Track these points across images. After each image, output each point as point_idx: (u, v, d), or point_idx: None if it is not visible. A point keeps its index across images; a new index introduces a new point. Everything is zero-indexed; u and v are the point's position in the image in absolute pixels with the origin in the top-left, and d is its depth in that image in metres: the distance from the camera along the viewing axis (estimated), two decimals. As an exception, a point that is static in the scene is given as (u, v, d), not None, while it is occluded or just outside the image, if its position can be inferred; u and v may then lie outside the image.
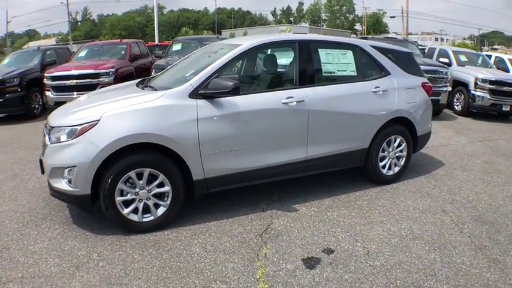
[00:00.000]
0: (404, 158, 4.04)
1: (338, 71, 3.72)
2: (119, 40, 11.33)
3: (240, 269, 2.51)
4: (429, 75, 7.13)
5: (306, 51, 3.49)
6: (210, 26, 65.57)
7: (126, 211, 2.89)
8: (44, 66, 8.38)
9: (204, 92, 2.99)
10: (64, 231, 3.04)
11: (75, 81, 7.26)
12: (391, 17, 58.47)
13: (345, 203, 3.55)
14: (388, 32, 52.04)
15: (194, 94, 2.99)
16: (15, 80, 7.50)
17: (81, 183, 2.76)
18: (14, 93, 7.39)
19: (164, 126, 2.86)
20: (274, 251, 2.72)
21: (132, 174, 2.84)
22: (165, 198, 3.00)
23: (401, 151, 4.02)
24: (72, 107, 3.27)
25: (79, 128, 2.76)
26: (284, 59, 4.17)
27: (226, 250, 2.73)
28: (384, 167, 3.94)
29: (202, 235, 2.96)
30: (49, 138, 2.93)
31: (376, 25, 60.08)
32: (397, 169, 4.02)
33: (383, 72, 3.88)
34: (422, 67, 7.63)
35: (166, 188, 2.96)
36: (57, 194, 2.96)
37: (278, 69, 4.04)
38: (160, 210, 3.00)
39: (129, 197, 2.89)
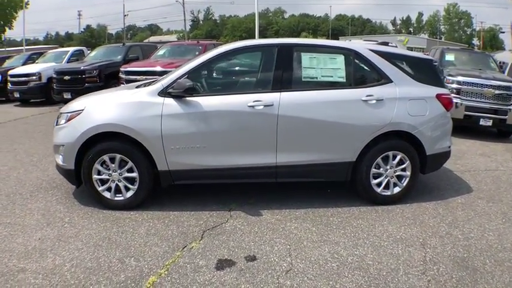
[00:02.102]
0: (407, 179, 3.77)
1: (322, 76, 3.75)
2: (196, 41, 12.88)
3: (159, 254, 2.98)
4: (500, 92, 6.78)
5: (286, 55, 3.70)
6: (330, 32, 68.95)
7: (101, 188, 3.72)
8: (126, 61, 10.31)
9: (171, 91, 3.56)
10: (61, 198, 4.06)
11: (144, 76, 8.67)
12: (501, 32, 58.22)
13: (317, 217, 3.60)
14: (504, 49, 47.05)
15: (163, 93, 3.61)
16: (95, 71, 9.58)
17: (68, 159, 3.70)
18: (93, 83, 9.41)
19: (131, 119, 3.56)
20: (202, 246, 3.09)
21: (106, 157, 3.64)
22: (134, 183, 3.69)
23: (403, 170, 3.77)
24: (80, 98, 4.29)
25: (69, 115, 3.73)
26: (263, 63, 4.38)
27: (163, 237, 3.23)
28: (379, 185, 3.78)
29: (157, 220, 3.53)
30: (56, 122, 3.98)
31: (492, 41, 62.29)
32: (397, 190, 3.79)
33: (382, 79, 3.73)
34: (490, 82, 6.82)
35: (134, 174, 3.65)
36: (57, 167, 4.00)
37: (254, 73, 4.35)
38: (129, 193, 3.72)
39: (103, 176, 3.70)
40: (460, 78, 7.14)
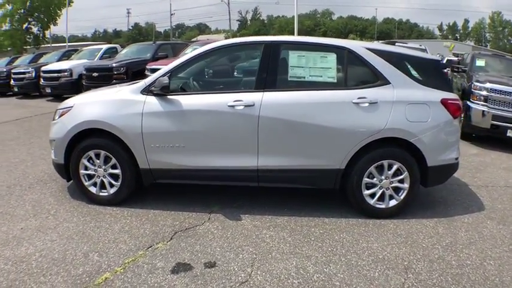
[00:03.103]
0: (405, 191, 3.66)
1: (310, 76, 3.72)
2: None
3: (123, 251, 3.20)
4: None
5: (272, 53, 3.74)
6: (377, 35, 70.59)
7: (87, 183, 4.06)
8: (156, 59, 10.88)
9: (152, 89, 3.78)
10: (55, 191, 4.48)
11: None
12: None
13: (298, 226, 3.63)
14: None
15: (145, 91, 3.84)
16: (122, 68, 10.23)
17: (58, 154, 4.07)
18: (121, 80, 10.02)
19: (113, 116, 3.83)
20: (167, 247, 3.28)
21: (92, 153, 3.95)
22: (118, 180, 3.98)
23: (400, 182, 3.67)
24: (76, 96, 4.67)
25: (61, 111, 4.12)
26: (249, 62, 4.45)
27: (134, 235, 3.46)
28: (372, 196, 3.71)
29: (135, 218, 3.79)
30: (53, 118, 4.39)
31: (536, 50, 61.37)
32: (393, 203, 3.69)
33: (379, 80, 3.63)
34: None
35: (117, 171, 3.94)
36: (52, 161, 4.41)
37: (238, 72, 4.42)
38: (113, 190, 4.02)
39: (90, 172, 4.03)
40: (488, 85, 6.79)
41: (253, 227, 3.58)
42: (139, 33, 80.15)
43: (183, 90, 3.99)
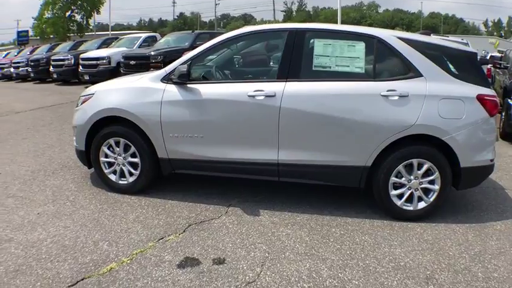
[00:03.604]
0: (435, 193, 3.43)
1: (337, 65, 3.55)
2: None
3: (133, 242, 3.23)
4: None
5: (296, 41, 3.61)
6: (423, 29, 70.12)
7: (107, 171, 4.16)
8: (194, 48, 11.03)
9: (172, 77, 3.78)
10: (77, 177, 4.64)
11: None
12: None
13: (318, 225, 3.50)
14: None
15: (165, 79, 3.85)
16: (159, 57, 10.47)
17: (79, 140, 4.20)
18: (158, 68, 10.21)
19: (132, 104, 3.88)
20: (178, 240, 3.27)
21: (112, 141, 4.05)
22: (137, 169, 4.05)
23: (431, 183, 3.43)
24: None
25: (83, 98, 4.24)
26: (272, 50, 4.33)
27: (147, 225, 3.49)
28: (400, 197, 3.51)
29: (151, 208, 3.83)
30: (76, 105, 4.52)
31: None
32: (422, 205, 3.47)
33: (410, 72, 3.41)
34: None
35: (137, 160, 4.00)
36: (75, 148, 4.54)
37: (261, 61, 4.36)
38: (132, 178, 4.10)
39: (110, 159, 4.12)
40: None
41: (270, 224, 3.48)
42: (184, 23, 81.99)
43: (205, 78, 3.96)
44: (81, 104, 4.25)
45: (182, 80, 3.68)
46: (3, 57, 22.99)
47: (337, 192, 3.97)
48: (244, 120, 3.62)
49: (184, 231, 3.38)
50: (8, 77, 19.39)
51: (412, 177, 3.45)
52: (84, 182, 4.46)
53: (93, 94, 4.17)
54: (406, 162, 3.41)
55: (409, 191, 3.48)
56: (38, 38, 35.62)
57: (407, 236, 3.33)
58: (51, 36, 34.81)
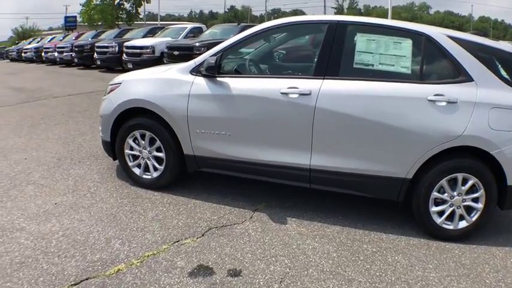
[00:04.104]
0: (478, 212, 3.08)
1: (380, 64, 3.27)
2: None
3: (147, 242, 3.12)
4: None
5: (337, 35, 3.36)
6: (472, 33, 71.46)
7: (131, 163, 4.12)
8: None
9: (201, 69, 3.65)
10: (103, 168, 4.64)
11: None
12: None
13: (349, 240, 3.24)
14: None
15: (194, 71, 3.73)
16: (203, 48, 10.50)
17: (105, 131, 4.18)
18: (200, 59, 10.34)
19: (159, 96, 3.79)
20: (195, 245, 3.12)
21: (137, 133, 4.00)
22: (162, 164, 3.97)
23: (474, 200, 3.08)
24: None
25: (111, 87, 4.22)
26: (309, 44, 4.08)
27: (165, 225, 3.37)
28: (440, 214, 3.19)
29: (173, 206, 3.72)
30: (105, 93, 4.51)
31: None
32: (462, 224, 3.15)
33: (460, 76, 3.09)
34: None
35: (162, 154, 3.92)
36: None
37: (297, 55, 4.07)
38: (156, 173, 4.03)
39: (135, 152, 4.08)
40: None
41: (297, 234, 3.26)
42: (234, 16, 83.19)
43: (237, 72, 3.81)
44: (109, 93, 4.18)
45: (210, 72, 3.54)
46: (48, 41, 24.14)
47: (374, 202, 3.67)
48: (275, 119, 3.42)
49: (202, 235, 3.22)
50: (52, 61, 20.29)
51: (455, 193, 3.15)
52: (109, 173, 4.43)
53: (121, 83, 4.09)
54: (450, 176, 3.11)
55: (451, 208, 3.19)
56: (86, 24, 37.13)
57: (444, 259, 3.02)
58: (99, 23, 36.13)
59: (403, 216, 3.57)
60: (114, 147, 4.17)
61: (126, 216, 3.49)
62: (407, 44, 3.25)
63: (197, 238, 3.18)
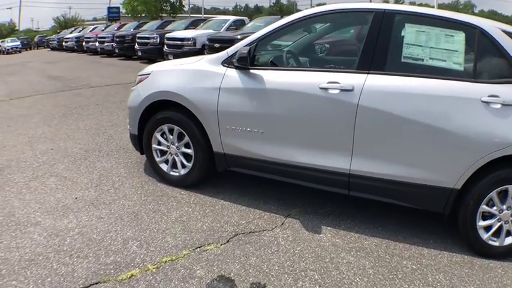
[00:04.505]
0: None
1: (431, 59, 2.93)
2: None
3: (167, 246, 2.95)
4: None
5: (383, 25, 3.06)
6: None
7: (158, 159, 3.99)
8: None
9: (234, 61, 3.44)
10: (130, 162, 4.56)
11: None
12: None
13: (388, 254, 2.92)
14: None
15: (227, 62, 3.53)
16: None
17: (132, 124, 4.07)
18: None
19: (187, 88, 3.62)
20: (218, 252, 2.91)
21: (165, 128, 3.85)
22: (190, 161, 3.81)
23: None
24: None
25: (139, 78, 4.09)
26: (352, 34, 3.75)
27: (188, 228, 3.19)
28: (487, 229, 2.82)
29: (199, 207, 3.55)
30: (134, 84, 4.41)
31: None
32: (509, 241, 2.84)
33: None
34: None
35: (190, 151, 3.76)
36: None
37: (338, 46, 3.75)
38: (184, 170, 3.87)
39: (162, 147, 3.94)
40: None
41: (331, 246, 2.98)
42: (280, 10, 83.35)
43: (273, 64, 3.59)
44: (137, 83, 4.05)
45: (242, 64, 3.33)
46: (90, 31, 24.86)
47: (417, 211, 3.31)
48: (313, 117, 3.15)
49: (227, 241, 3.01)
50: (94, 51, 20.85)
51: (504, 206, 2.80)
52: (136, 168, 4.31)
53: (149, 74, 3.95)
54: (501, 188, 2.77)
55: (498, 223, 2.85)
56: (129, 15, 38.06)
57: (487, 279, 2.69)
58: (143, 14, 36.91)
59: (447, 228, 3.22)
60: (141, 141, 4.02)
61: (148, 216, 3.33)
62: (459, 37, 2.91)
63: (221, 244, 2.96)
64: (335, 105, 3.05)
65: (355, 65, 3.17)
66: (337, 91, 3.03)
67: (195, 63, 3.79)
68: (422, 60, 2.96)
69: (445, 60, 2.91)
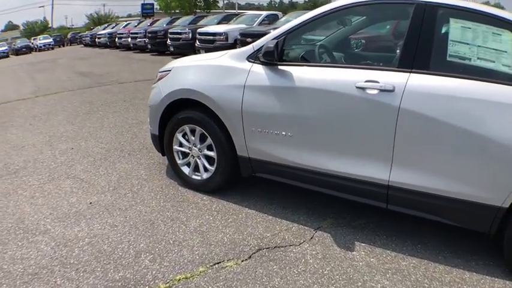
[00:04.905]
0: None
1: (479, 59, 2.52)
2: None
3: (182, 261, 2.68)
4: None
5: (426, 19, 2.67)
6: None
7: (180, 161, 3.76)
8: None
9: (260, 56, 3.13)
10: (152, 164, 4.37)
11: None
12: None
13: (425, 278, 2.52)
14: None
15: (252, 57, 3.22)
16: None
17: (153, 123, 3.85)
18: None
19: (210, 86, 3.35)
20: (238, 270, 2.61)
21: (186, 128, 3.62)
22: (213, 164, 3.54)
23: None
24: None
25: (160, 74, 3.85)
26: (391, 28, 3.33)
27: (207, 240, 2.92)
28: None
29: (221, 215, 3.28)
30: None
31: None
32: None
33: None
34: None
35: (213, 154, 3.50)
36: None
37: (375, 41, 3.35)
38: (206, 174, 3.62)
39: (184, 149, 3.70)
40: None
41: (364, 266, 2.63)
42: (314, 6, 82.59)
43: (304, 60, 3.27)
44: (158, 80, 3.80)
45: (269, 59, 3.02)
46: (123, 27, 25.12)
47: (462, 232, 2.90)
48: (348, 120, 2.81)
49: (250, 257, 2.72)
50: (126, 47, 21.05)
51: None
52: (158, 170, 4.10)
53: (170, 71, 3.71)
54: None
55: None
56: (163, 11, 38.38)
57: None
58: (177, 10, 37.10)
59: (491, 250, 2.79)
60: (162, 141, 3.80)
61: (165, 225, 3.08)
62: (507, 37, 2.51)
63: (242, 261, 2.67)
64: (373, 107, 2.68)
65: (395, 62, 2.79)
66: (376, 91, 2.66)
67: (218, 58, 3.50)
68: (470, 59, 2.56)
69: (494, 62, 2.52)
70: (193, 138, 3.58)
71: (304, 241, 2.93)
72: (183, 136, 3.65)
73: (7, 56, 35.29)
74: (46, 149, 4.76)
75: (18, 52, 37.46)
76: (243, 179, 3.57)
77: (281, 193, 3.58)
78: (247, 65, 3.20)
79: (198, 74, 3.49)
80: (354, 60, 3.76)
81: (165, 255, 2.73)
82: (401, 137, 2.59)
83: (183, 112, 3.56)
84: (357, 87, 2.71)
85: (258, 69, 3.14)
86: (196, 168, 3.68)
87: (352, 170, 2.82)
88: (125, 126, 5.67)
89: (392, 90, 2.60)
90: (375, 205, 2.91)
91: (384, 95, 2.62)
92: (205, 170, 3.60)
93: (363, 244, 2.90)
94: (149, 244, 2.85)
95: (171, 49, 15.68)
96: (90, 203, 3.41)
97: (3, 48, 37.08)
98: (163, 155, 3.97)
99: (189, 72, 3.59)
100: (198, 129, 3.50)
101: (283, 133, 3.05)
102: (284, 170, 3.14)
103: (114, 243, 2.85)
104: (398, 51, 2.84)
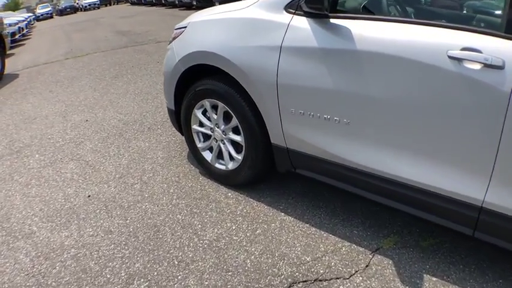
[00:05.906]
0: None
1: None
2: None
3: (204, 270, 2.02)
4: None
5: None
6: None
7: (200, 145, 3.03)
8: None
9: (302, 4, 2.24)
10: (172, 142, 3.73)
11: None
12: None
13: None
14: None
15: (293, 6, 2.31)
16: None
17: (168, 95, 3.13)
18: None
19: (233, 47, 2.50)
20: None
21: (206, 103, 2.83)
22: (240, 152, 2.78)
23: None
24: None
25: (174, 32, 3.03)
26: None
27: (224, 263, 2.24)
28: None
29: (245, 222, 2.56)
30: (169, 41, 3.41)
31: None
32: None
33: None
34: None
35: (239, 138, 2.71)
36: None
37: None
38: (232, 164, 2.86)
39: (205, 130, 2.96)
40: None
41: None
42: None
43: (367, 11, 2.30)
44: (171, 42, 3.07)
45: (317, 8, 2.11)
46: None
47: None
48: (432, 105, 1.89)
49: (290, 286, 1.96)
50: (172, 4, 20.54)
51: None
52: (178, 151, 3.46)
53: (185, 28, 2.93)
54: None
55: None
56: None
57: None
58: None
59: None
60: (179, 118, 3.07)
61: (172, 234, 2.44)
62: None
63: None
64: (472, 89, 1.76)
65: (502, 25, 1.79)
66: (478, 66, 1.72)
67: (243, 9, 2.63)
68: None
69: None
70: (215, 116, 2.80)
71: (356, 271, 2.15)
72: (203, 113, 2.89)
73: (51, 17, 36.27)
74: (58, 122, 4.30)
75: (62, 13, 38.38)
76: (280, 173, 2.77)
77: (329, 194, 2.77)
78: (285, 17, 2.31)
79: (218, 32, 2.65)
80: (439, 16, 2.70)
81: (164, 283, 2.06)
82: (510, 139, 1.67)
83: (201, 82, 2.78)
84: (449, 56, 1.78)
85: (301, 23, 2.24)
86: (220, 155, 2.92)
87: (433, 181, 1.95)
88: (152, 92, 5.02)
89: (501, 67, 1.66)
90: (455, 229, 2.04)
91: (488, 73, 1.69)
92: (231, 158, 2.84)
93: (434, 278, 2.07)
94: (147, 264, 2.21)
95: (217, 4, 14.88)
96: (89, 196, 2.83)
97: (47, 9, 38.36)
98: (182, 134, 3.25)
99: (207, 29, 2.76)
100: (221, 106, 2.71)
101: (336, 118, 2.19)
102: (336, 169, 2.32)
103: (104, 259, 2.25)
104: (504, 13, 1.85)
